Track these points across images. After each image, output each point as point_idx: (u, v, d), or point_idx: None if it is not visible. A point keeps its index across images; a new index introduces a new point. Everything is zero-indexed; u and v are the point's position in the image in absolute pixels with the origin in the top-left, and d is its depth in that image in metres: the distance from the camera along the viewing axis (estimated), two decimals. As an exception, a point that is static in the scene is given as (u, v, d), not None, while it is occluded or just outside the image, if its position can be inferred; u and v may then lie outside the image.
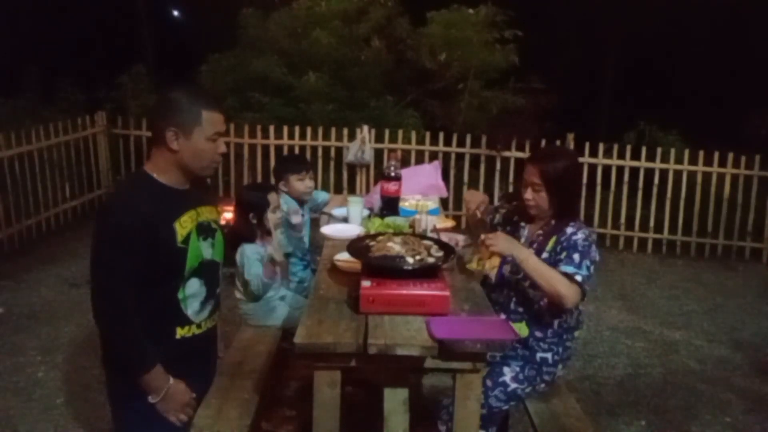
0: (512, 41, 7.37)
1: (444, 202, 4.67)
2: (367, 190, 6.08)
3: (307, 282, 3.22)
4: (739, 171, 6.19)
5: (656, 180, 6.29)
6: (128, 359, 1.85)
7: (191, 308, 1.95)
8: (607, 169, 6.39)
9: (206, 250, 1.96)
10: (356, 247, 2.25)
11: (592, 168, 6.37)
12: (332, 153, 6.70)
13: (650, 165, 6.31)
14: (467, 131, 6.73)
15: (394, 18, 7.77)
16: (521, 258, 2.22)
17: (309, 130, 6.62)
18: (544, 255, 2.30)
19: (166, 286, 1.89)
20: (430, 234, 2.58)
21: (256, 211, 2.70)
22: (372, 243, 2.28)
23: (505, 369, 2.37)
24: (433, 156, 6.44)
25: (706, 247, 6.34)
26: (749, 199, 6.18)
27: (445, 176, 4.93)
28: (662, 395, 3.67)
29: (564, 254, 2.24)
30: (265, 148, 6.72)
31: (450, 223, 3.00)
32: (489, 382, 2.33)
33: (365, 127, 6.56)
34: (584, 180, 6.19)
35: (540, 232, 2.39)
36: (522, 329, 2.34)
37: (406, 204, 3.11)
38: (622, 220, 6.42)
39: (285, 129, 6.64)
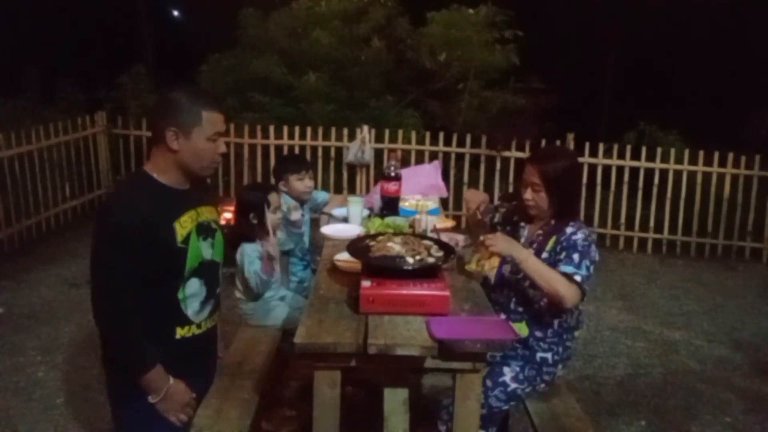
0: (512, 41, 7.36)
1: (444, 202, 4.68)
2: (367, 190, 6.08)
3: (307, 282, 3.22)
4: (739, 171, 6.19)
5: (656, 180, 6.29)
6: (128, 359, 1.85)
7: (191, 308, 1.95)
8: (607, 169, 6.39)
9: (206, 250, 1.96)
10: (356, 247, 2.26)
11: (592, 168, 6.37)
12: (332, 153, 6.70)
13: (650, 165, 6.31)
14: (467, 131, 6.73)
15: (394, 18, 7.77)
16: (520, 258, 2.22)
17: (309, 130, 6.62)
18: (544, 255, 2.30)
19: (166, 286, 1.89)
20: (430, 234, 2.58)
21: (256, 212, 2.69)
22: (372, 243, 2.28)
23: (505, 369, 2.37)
24: (433, 156, 6.44)
25: (706, 247, 6.34)
26: (749, 199, 6.18)
27: (445, 176, 4.94)
28: (662, 395, 3.67)
29: (564, 254, 2.24)
30: (265, 148, 6.72)
31: (450, 223, 3.00)
32: (489, 382, 2.33)
33: (365, 127, 6.56)
34: (584, 180, 6.19)
35: (540, 232, 2.39)
36: (522, 329, 2.34)
37: (406, 204, 3.11)
38: (622, 220, 6.42)
39: (285, 129, 6.64)
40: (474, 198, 2.69)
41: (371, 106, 7.35)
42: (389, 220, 2.87)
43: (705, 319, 4.81)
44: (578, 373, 3.84)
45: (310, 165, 3.35)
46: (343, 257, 2.34)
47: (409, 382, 1.99)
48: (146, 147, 6.60)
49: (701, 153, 6.22)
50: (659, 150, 6.39)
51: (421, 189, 3.38)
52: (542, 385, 2.40)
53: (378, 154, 6.59)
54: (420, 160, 6.41)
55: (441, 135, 6.61)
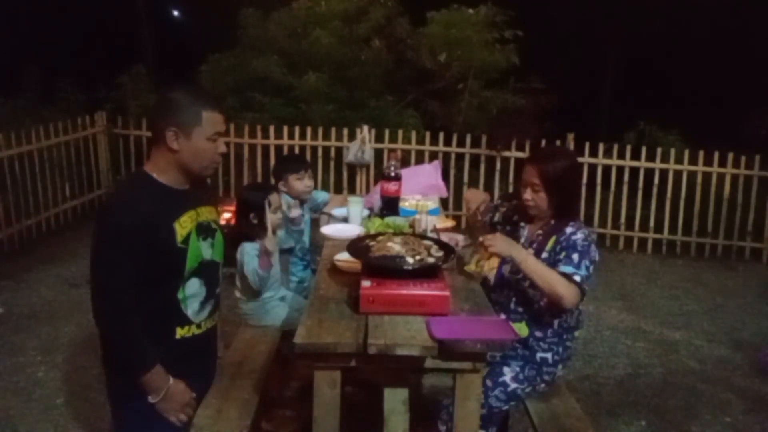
0: (512, 41, 7.36)
1: (444, 202, 4.67)
2: (367, 190, 6.08)
3: (307, 282, 3.22)
4: (739, 171, 6.18)
5: (656, 180, 6.29)
6: (128, 359, 1.85)
7: (191, 308, 1.95)
8: (607, 169, 6.39)
9: (206, 250, 1.96)
10: (356, 247, 2.26)
11: (592, 168, 6.37)
12: (332, 153, 6.70)
13: (650, 165, 6.31)
14: (467, 131, 6.73)
15: (394, 18, 7.77)
16: (520, 259, 2.22)
17: (309, 130, 6.62)
18: (544, 255, 2.30)
19: (166, 286, 1.89)
20: (430, 234, 2.58)
21: (256, 212, 2.69)
22: (372, 243, 2.28)
23: (505, 369, 2.37)
24: (433, 156, 6.44)
25: (706, 247, 6.34)
26: (749, 199, 6.18)
27: (445, 176, 4.93)
28: (662, 395, 3.67)
29: (563, 254, 2.24)
30: (265, 148, 6.72)
31: (450, 223, 3.00)
32: (489, 382, 2.33)
33: (365, 127, 6.56)
34: (584, 180, 6.19)
35: (539, 232, 2.39)
36: (522, 329, 2.34)
37: (406, 204, 3.11)
38: (622, 220, 6.42)
39: (285, 129, 6.64)
40: (474, 198, 2.69)
41: (371, 106, 7.35)
42: (389, 220, 2.87)
43: (705, 319, 4.81)
44: (578, 373, 3.84)
45: (309, 165, 3.35)
46: (343, 257, 2.34)
47: (409, 382, 2.00)
48: (146, 147, 6.60)
49: (701, 153, 6.22)
50: (659, 150, 6.39)
51: (421, 189, 3.38)
52: (542, 385, 2.40)
53: (378, 154, 6.59)
54: (420, 160, 6.41)
55: (441, 135, 6.61)
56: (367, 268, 2.09)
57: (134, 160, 6.94)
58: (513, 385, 2.35)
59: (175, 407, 1.90)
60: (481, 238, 2.27)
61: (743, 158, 6.16)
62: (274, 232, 2.70)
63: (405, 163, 5.77)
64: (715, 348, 4.33)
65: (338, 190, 6.37)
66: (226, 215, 3.96)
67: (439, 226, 2.76)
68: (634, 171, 6.34)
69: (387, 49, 7.67)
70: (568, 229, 2.29)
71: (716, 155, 6.20)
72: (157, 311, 1.87)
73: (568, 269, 2.19)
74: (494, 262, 2.35)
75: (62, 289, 4.83)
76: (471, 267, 2.40)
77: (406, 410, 1.95)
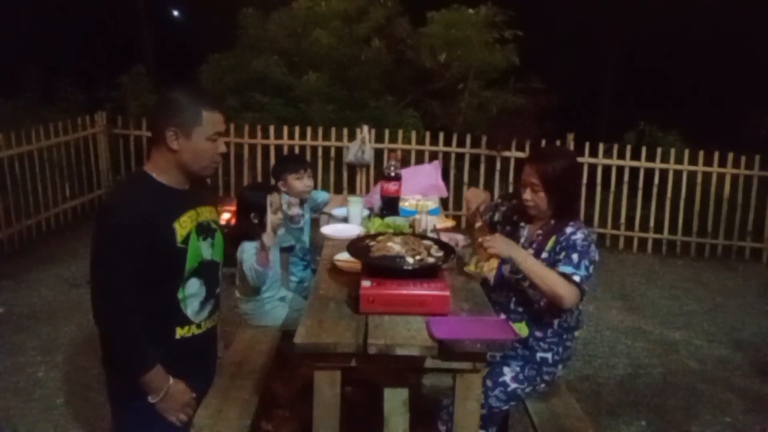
0: (512, 41, 7.37)
1: (444, 202, 4.68)
2: (367, 190, 6.08)
3: (307, 282, 3.22)
4: (739, 171, 6.18)
5: (656, 180, 6.29)
6: (128, 359, 1.85)
7: (191, 308, 1.95)
8: (607, 169, 6.39)
9: (206, 250, 1.96)
10: (356, 247, 2.26)
11: (592, 168, 6.37)
12: (332, 153, 6.70)
13: (650, 165, 6.31)
14: (467, 131, 6.73)
15: (394, 18, 7.77)
16: (519, 260, 2.22)
17: (309, 130, 6.62)
18: (544, 255, 2.30)
19: (166, 286, 1.89)
20: (430, 234, 2.58)
21: (257, 211, 2.69)
22: (372, 243, 2.28)
23: (505, 369, 2.36)
24: (433, 156, 6.44)
25: (706, 247, 6.34)
26: (749, 199, 6.18)
27: (445, 176, 4.93)
28: (662, 395, 3.67)
29: (563, 254, 2.24)
30: (265, 148, 6.72)
31: (450, 223, 3.00)
32: (489, 382, 2.33)
33: (365, 127, 6.56)
34: (584, 180, 6.19)
35: (539, 231, 2.39)
36: (522, 329, 2.34)
37: (406, 204, 3.11)
38: (622, 220, 6.41)
39: (285, 129, 6.64)
40: (474, 198, 2.69)
41: (371, 106, 7.35)
42: (389, 220, 2.87)
43: (705, 319, 4.81)
44: (578, 373, 3.84)
45: (308, 164, 3.35)
46: (343, 257, 2.34)
47: (409, 382, 1.99)
48: (146, 147, 6.60)
49: (701, 153, 6.22)
50: (659, 150, 6.39)
51: (421, 189, 3.38)
52: (542, 385, 2.40)
53: (378, 154, 6.59)
54: (420, 160, 6.41)
55: (441, 135, 6.61)
56: (367, 268, 2.09)
57: (134, 160, 6.94)
58: (513, 385, 2.35)
59: (175, 407, 1.90)
60: (480, 239, 2.27)
61: (743, 158, 6.16)
62: (274, 232, 2.70)
63: (405, 163, 5.77)
64: (715, 348, 4.33)
65: (338, 190, 6.37)
66: (226, 215, 3.97)
67: (439, 226, 2.76)
68: (634, 171, 6.34)
69: (387, 49, 7.67)
70: (568, 229, 2.29)
71: (716, 155, 6.19)
72: (157, 311, 1.87)
73: (568, 269, 2.19)
74: (494, 262, 2.35)
75: (62, 289, 4.83)
76: (470, 268, 2.40)
77: (406, 410, 1.95)
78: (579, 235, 2.26)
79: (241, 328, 2.88)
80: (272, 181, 3.31)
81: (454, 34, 7.27)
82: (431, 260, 2.14)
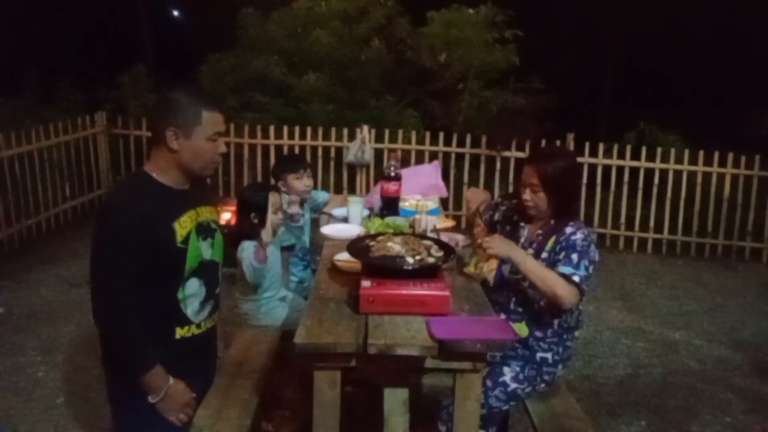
0: (512, 41, 7.37)
1: (444, 202, 4.67)
2: (367, 190, 6.08)
3: (307, 282, 3.22)
4: (739, 171, 6.18)
5: (656, 180, 6.29)
6: (128, 359, 1.85)
7: (191, 308, 1.95)
8: (607, 169, 6.39)
9: (206, 250, 1.96)
10: (356, 247, 2.26)
11: (592, 168, 6.37)
12: (332, 153, 6.70)
13: (650, 165, 6.31)
14: (467, 131, 6.73)
15: (394, 18, 7.77)
16: (518, 260, 2.22)
17: (309, 130, 6.62)
18: (544, 255, 2.30)
19: (166, 286, 1.89)
20: (430, 234, 2.58)
21: (257, 211, 2.69)
22: (372, 243, 2.28)
23: (505, 369, 2.36)
24: (433, 156, 6.44)
25: (706, 247, 6.34)
26: (749, 199, 6.18)
27: (445, 176, 4.93)
28: (662, 395, 3.67)
29: (562, 254, 2.24)
30: (265, 148, 6.72)
31: (450, 223, 3.00)
32: (489, 382, 2.33)
33: (365, 127, 6.56)
34: (584, 180, 6.20)
35: (539, 232, 2.39)
36: (522, 329, 2.34)
37: (406, 204, 3.11)
38: (622, 220, 6.41)
39: (285, 129, 6.64)
40: (474, 197, 2.69)
41: (371, 106, 7.35)
42: (389, 220, 2.87)
43: (705, 319, 4.81)
44: (578, 373, 3.84)
45: (308, 164, 3.35)
46: (343, 257, 2.34)
47: (409, 382, 1.99)
48: (146, 147, 6.60)
49: (701, 153, 6.22)
50: (659, 150, 6.39)
51: (421, 189, 3.38)
52: (542, 385, 2.40)
53: (378, 154, 6.59)
54: (420, 160, 6.41)
55: (441, 135, 6.61)
56: (367, 268, 2.09)
57: (134, 160, 6.94)
58: (513, 385, 2.35)
59: (175, 407, 1.90)
60: (479, 240, 2.27)
61: (743, 158, 6.16)
62: (274, 232, 2.70)
63: (405, 163, 5.77)
64: (715, 348, 4.33)
65: (338, 190, 6.36)
66: (226, 215, 3.97)
67: (439, 226, 2.76)
68: (634, 171, 6.34)
69: (387, 49, 7.67)
70: (568, 229, 2.29)
71: (716, 155, 6.19)
72: (156, 311, 1.87)
73: (567, 270, 2.19)
74: (493, 263, 2.35)
75: (62, 289, 4.83)
76: (470, 269, 2.40)
77: (406, 410, 1.95)
78: (579, 235, 2.26)
79: (241, 328, 2.88)
80: (272, 181, 3.31)
81: (454, 34, 7.27)
82: (431, 260, 2.14)
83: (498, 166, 6.54)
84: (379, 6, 7.68)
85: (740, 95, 9.74)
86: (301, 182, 3.18)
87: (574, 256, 2.21)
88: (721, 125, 8.22)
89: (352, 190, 6.56)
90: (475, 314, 2.06)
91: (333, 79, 7.32)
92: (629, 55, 12.72)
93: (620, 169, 6.35)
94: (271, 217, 2.66)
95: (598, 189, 6.41)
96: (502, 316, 2.28)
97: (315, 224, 3.33)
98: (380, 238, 2.34)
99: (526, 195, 2.34)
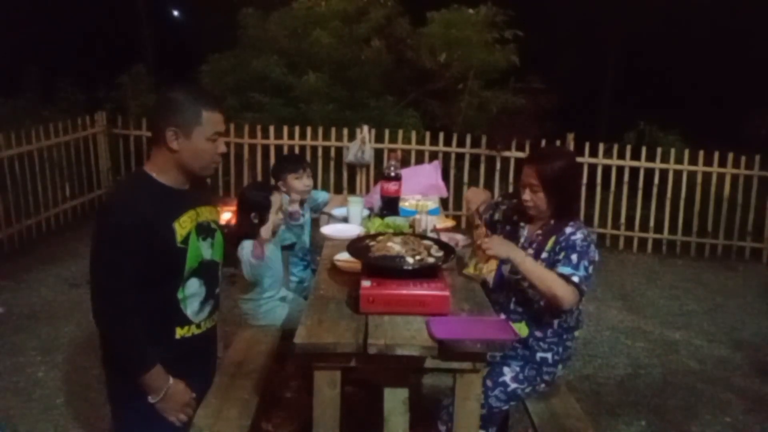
0: (512, 41, 7.37)
1: (444, 202, 4.68)
2: (367, 190, 6.08)
3: (307, 282, 3.22)
4: (739, 171, 6.19)
5: (656, 180, 6.29)
6: (128, 359, 1.85)
7: (191, 308, 1.95)
8: (607, 169, 6.39)
9: (206, 250, 1.96)
10: (356, 247, 2.26)
11: (592, 168, 6.37)
12: (332, 153, 6.70)
13: (650, 165, 6.31)
14: (467, 131, 6.73)
15: (394, 18, 7.77)
16: (517, 261, 2.22)
17: (309, 130, 6.62)
18: (544, 255, 2.30)
19: (166, 286, 1.89)
20: (430, 234, 2.58)
21: (257, 211, 2.69)
22: (372, 243, 2.28)
23: (505, 369, 2.36)
24: (433, 156, 6.44)
25: (706, 247, 6.34)
26: (749, 199, 6.18)
27: (445, 176, 4.94)
28: (662, 395, 3.67)
29: (562, 254, 2.24)
30: (265, 148, 6.72)
31: (450, 223, 3.00)
32: (489, 382, 2.33)
33: (365, 127, 6.56)
34: (584, 180, 6.20)
35: (539, 232, 2.39)
36: (522, 329, 2.34)
37: (406, 204, 3.11)
38: (622, 220, 6.41)
39: (285, 129, 6.64)
40: (475, 197, 2.69)
41: (371, 106, 7.35)
42: (389, 220, 2.87)
43: (705, 319, 4.81)
44: (578, 373, 3.84)
45: (307, 164, 3.34)
46: (343, 257, 2.34)
47: (409, 382, 1.99)
48: (146, 147, 6.60)
49: (701, 153, 6.22)
50: (659, 150, 6.39)
51: (421, 189, 3.38)
52: (542, 385, 2.40)
53: (378, 154, 6.59)
54: (420, 160, 6.41)
55: (441, 135, 6.61)
56: (367, 268, 2.09)
57: (134, 160, 6.94)
58: (513, 385, 2.35)
59: (175, 407, 1.90)
60: (478, 242, 2.27)
61: (743, 158, 6.16)
62: (274, 233, 2.70)
63: (405, 163, 5.78)
64: (715, 348, 4.33)
65: (338, 190, 6.36)
66: (226, 215, 3.97)
67: (439, 226, 2.76)
68: (634, 171, 6.34)
69: (387, 49, 7.66)
70: (568, 229, 2.29)
71: (716, 155, 6.20)
72: (156, 311, 1.87)
73: (567, 270, 2.19)
74: (492, 264, 2.35)
75: (62, 289, 4.83)
76: (470, 270, 2.40)
77: (406, 410, 1.95)
78: (578, 236, 2.26)
79: (241, 328, 2.88)
80: (272, 181, 3.31)
81: (454, 34, 7.27)
82: (431, 260, 2.14)
83: (498, 166, 6.54)
84: (379, 6, 7.68)
85: (740, 95, 9.74)
86: (300, 182, 3.18)
87: (574, 257, 2.21)
88: (721, 125, 8.22)
89: (352, 190, 6.56)
90: (475, 314, 2.06)
91: (333, 79, 7.32)
92: (629, 55, 12.72)
93: (620, 169, 6.35)
94: (272, 217, 2.66)
95: (598, 189, 6.42)
96: (502, 316, 2.28)
97: (315, 224, 3.33)
98: (380, 238, 2.34)
99: (526, 195, 2.34)
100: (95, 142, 6.78)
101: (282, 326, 2.82)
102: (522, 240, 2.43)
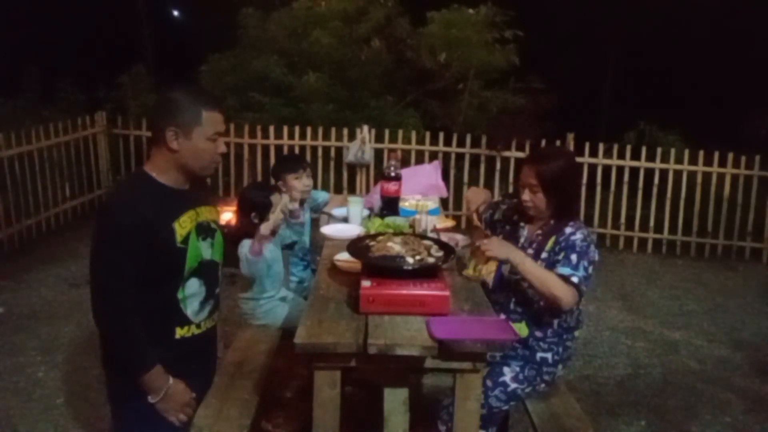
0: (512, 41, 7.37)
1: (444, 202, 4.67)
2: (367, 190, 6.08)
3: (307, 282, 3.22)
4: (739, 171, 6.18)
5: (656, 180, 6.29)
6: (128, 359, 1.85)
7: (190, 308, 1.95)
8: (607, 169, 6.39)
9: (206, 250, 1.96)
10: (356, 247, 2.26)
11: (592, 168, 6.37)
12: (332, 153, 6.70)
13: (650, 165, 6.31)
14: (467, 131, 6.74)
15: (394, 18, 7.77)
16: (516, 261, 2.21)
17: (309, 130, 6.62)
18: (543, 255, 2.30)
19: (166, 286, 1.89)
20: (430, 234, 2.58)
21: (257, 211, 2.70)
22: (372, 243, 2.28)
23: (505, 369, 2.36)
24: (433, 156, 6.44)
25: (706, 247, 6.34)
26: (749, 199, 6.18)
27: (445, 176, 4.93)
28: (662, 395, 3.67)
29: (562, 255, 2.24)
30: (265, 148, 6.72)
31: (450, 223, 3.00)
32: (489, 382, 2.33)
33: (365, 127, 6.57)
34: (584, 180, 6.20)
35: (539, 232, 2.39)
36: (522, 329, 2.34)
37: (406, 204, 3.11)
38: (622, 220, 6.41)
39: (285, 129, 6.64)
40: (475, 197, 2.69)
41: (371, 106, 7.36)
42: (389, 220, 2.87)
43: (705, 319, 4.81)
44: (578, 373, 3.84)
45: (307, 164, 3.34)
46: (343, 257, 2.34)
47: (409, 382, 1.99)
48: (146, 147, 6.60)
49: (701, 153, 6.22)
50: (659, 150, 6.39)
51: (421, 189, 3.38)
52: (542, 385, 2.40)
53: (378, 154, 6.59)
54: (420, 160, 6.41)
55: (441, 135, 6.61)
56: (367, 268, 2.09)
57: (134, 160, 6.94)
58: (513, 385, 2.35)
59: (175, 407, 1.90)
60: (477, 243, 2.27)
61: (743, 158, 6.16)
62: (274, 233, 2.70)
63: (405, 163, 5.78)
64: (715, 348, 4.33)
65: (338, 190, 6.37)
66: (226, 215, 3.96)
67: (439, 226, 2.76)
68: (634, 171, 6.34)
69: (387, 49, 7.67)
70: (568, 230, 2.29)
71: (716, 155, 6.19)
72: (156, 311, 1.87)
73: (566, 271, 2.19)
74: (492, 266, 2.34)
75: (62, 289, 4.83)
76: (469, 272, 2.39)
77: (406, 410, 1.95)
78: (578, 236, 2.26)
79: (241, 328, 2.88)
80: (272, 181, 3.31)
81: (454, 34, 7.27)
82: (431, 260, 2.14)
83: (498, 166, 6.54)
84: (379, 6, 7.69)
85: (740, 95, 9.74)
86: (300, 182, 3.18)
87: (573, 257, 2.21)
88: (721, 125, 8.22)
89: (352, 190, 6.56)
90: (475, 314, 2.06)
91: (333, 79, 7.33)
92: (629, 55, 12.71)
93: (620, 169, 6.35)
94: (273, 216, 2.66)
95: (598, 189, 6.42)
96: (502, 316, 2.28)
97: (315, 224, 3.33)
98: (380, 238, 2.34)
99: (525, 195, 2.34)
100: (95, 142, 6.78)
101: (282, 326, 2.82)
102: (522, 240, 2.43)
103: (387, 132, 6.60)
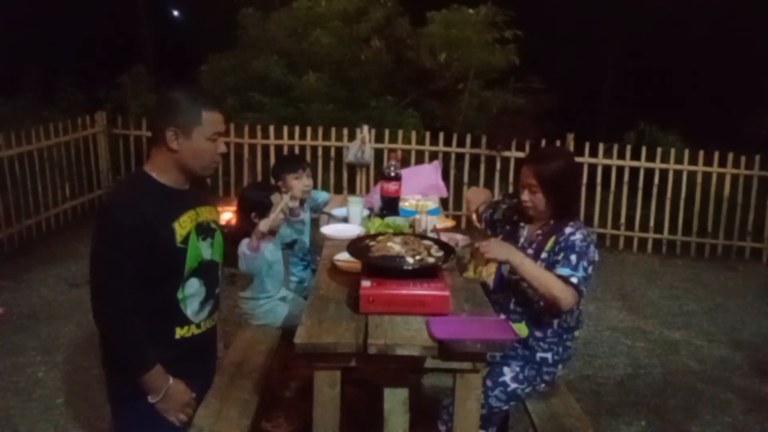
0: (512, 41, 7.37)
1: (444, 202, 4.67)
2: (367, 190, 6.08)
3: (307, 282, 3.22)
4: (739, 171, 6.19)
5: (656, 180, 6.29)
6: (128, 359, 1.85)
7: (190, 308, 1.95)
8: (607, 169, 6.39)
9: (206, 250, 1.96)
10: (356, 247, 2.25)
11: (592, 168, 6.37)
12: (332, 153, 6.71)
13: (650, 165, 6.31)
14: (467, 131, 6.74)
15: (394, 18, 7.78)
16: (516, 263, 2.21)
17: (309, 130, 6.62)
18: (543, 255, 2.30)
19: (166, 286, 1.89)
20: (430, 234, 2.58)
21: (257, 211, 2.69)
22: (372, 243, 2.28)
23: (505, 369, 2.36)
24: (433, 156, 6.44)
25: (706, 247, 6.34)
26: (749, 199, 6.18)
27: (445, 176, 4.93)
28: (662, 395, 3.67)
29: (561, 255, 2.24)
30: (265, 148, 6.72)
31: (450, 223, 3.00)
32: (489, 382, 2.33)
33: (365, 127, 6.57)
34: (584, 180, 6.20)
35: (539, 232, 2.39)
36: (522, 329, 2.33)
37: (406, 204, 3.11)
38: (622, 220, 6.41)
39: (285, 129, 6.65)
40: (475, 197, 2.69)
41: (371, 106, 7.36)
42: (389, 220, 2.87)
43: (705, 319, 4.81)
44: (578, 373, 3.84)
45: (307, 164, 3.34)
46: (343, 257, 2.34)
47: (409, 382, 1.99)
48: (146, 147, 6.60)
49: (701, 153, 6.22)
50: (659, 150, 6.40)
51: (421, 189, 3.38)
52: (542, 385, 2.40)
53: (378, 154, 6.59)
54: (420, 160, 6.41)
55: (441, 135, 6.61)
56: (367, 268, 2.09)
57: (134, 160, 6.94)
58: (513, 385, 2.35)
59: (175, 407, 1.91)
60: (476, 244, 2.27)
61: (743, 158, 6.16)
62: (274, 232, 2.70)
63: (405, 163, 5.78)
64: (715, 348, 4.33)
65: (338, 190, 6.37)
66: (226, 215, 3.96)
67: (439, 226, 2.76)
68: (634, 171, 6.34)
69: (387, 49, 7.67)
70: (567, 230, 2.29)
71: (716, 155, 6.20)
72: (156, 311, 1.88)
73: (565, 271, 2.19)
74: (492, 267, 2.34)
75: (62, 289, 4.83)
76: (469, 273, 2.39)
77: (406, 410, 1.95)
78: (578, 236, 2.26)
79: (241, 328, 2.88)
80: (272, 181, 3.31)
81: (454, 34, 7.28)
82: (431, 260, 2.14)
83: (498, 166, 6.54)
84: (379, 6, 7.69)
85: (740, 95, 9.74)
86: (300, 182, 3.18)
87: (573, 257, 2.21)
88: (721, 125, 8.23)
89: (352, 190, 6.56)
90: (475, 314, 2.06)
91: (333, 79, 7.33)
92: (629, 55, 12.71)
93: (620, 169, 6.35)
94: (273, 215, 2.66)
95: (598, 189, 6.42)
96: (502, 316, 2.28)
97: (315, 224, 3.33)
98: (380, 238, 2.34)
99: (525, 196, 2.33)
100: (95, 142, 6.78)
101: (282, 326, 2.82)
102: (522, 240, 2.43)
103: (387, 132, 6.60)
